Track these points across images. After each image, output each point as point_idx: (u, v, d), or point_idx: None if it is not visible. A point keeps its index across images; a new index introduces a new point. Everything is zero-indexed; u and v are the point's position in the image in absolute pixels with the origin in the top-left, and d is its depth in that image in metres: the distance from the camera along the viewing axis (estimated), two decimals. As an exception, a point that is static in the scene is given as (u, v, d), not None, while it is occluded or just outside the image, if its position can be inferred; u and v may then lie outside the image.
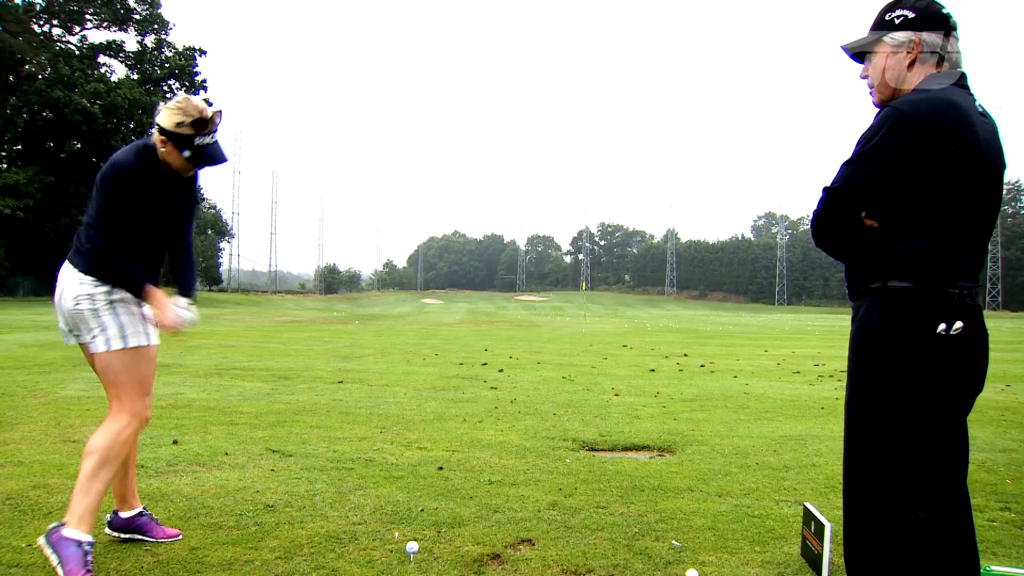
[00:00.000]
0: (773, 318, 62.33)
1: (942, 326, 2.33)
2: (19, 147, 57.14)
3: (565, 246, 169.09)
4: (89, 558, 3.14)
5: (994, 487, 5.01)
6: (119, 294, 3.45)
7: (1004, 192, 2.70)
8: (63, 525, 3.19)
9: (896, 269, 2.41)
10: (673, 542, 3.75)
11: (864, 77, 2.69)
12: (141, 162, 3.47)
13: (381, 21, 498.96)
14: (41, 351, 13.70)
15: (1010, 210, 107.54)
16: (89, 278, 3.42)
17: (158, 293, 3.49)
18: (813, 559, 3.41)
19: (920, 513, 2.35)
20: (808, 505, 3.59)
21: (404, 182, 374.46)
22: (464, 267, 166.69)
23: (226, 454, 5.44)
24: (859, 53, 2.70)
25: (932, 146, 2.33)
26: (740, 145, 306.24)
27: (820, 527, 3.34)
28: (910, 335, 2.36)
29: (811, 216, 2.58)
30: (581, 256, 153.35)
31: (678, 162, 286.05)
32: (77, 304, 3.41)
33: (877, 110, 2.54)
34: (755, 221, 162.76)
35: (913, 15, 2.55)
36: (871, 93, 2.67)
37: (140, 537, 3.62)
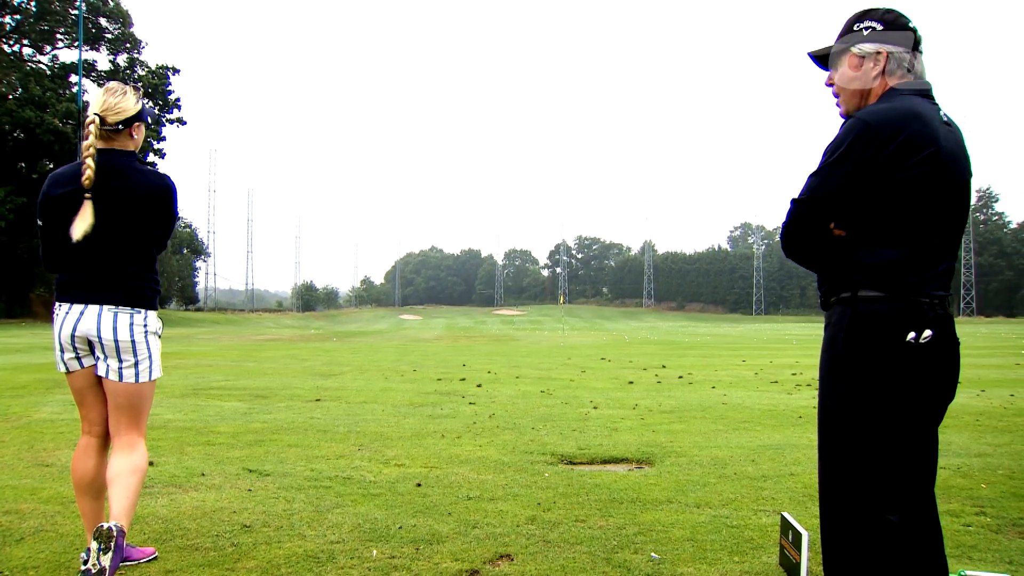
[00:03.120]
0: (751, 328, 62.70)
1: (911, 335, 2.35)
2: (-10, 168, 56.42)
3: (543, 260, 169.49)
4: None
5: (969, 492, 5.06)
6: (158, 324, 3.61)
7: (975, 199, 2.72)
8: (121, 531, 3.18)
9: (866, 278, 2.43)
10: (652, 554, 3.75)
11: (829, 85, 2.73)
12: None
13: (356, 38, 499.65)
14: (13, 374, 13.51)
15: (982, 216, 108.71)
16: (149, 311, 3.54)
17: None
18: (791, 568, 3.43)
19: (892, 517, 2.36)
20: (786, 514, 3.61)
21: (381, 198, 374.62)
22: (442, 282, 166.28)
23: (202, 475, 5.39)
24: (825, 60, 2.74)
25: (896, 157, 2.36)
26: (715, 156, 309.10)
27: (798, 536, 3.36)
28: (880, 344, 2.38)
29: (780, 228, 2.60)
30: (559, 270, 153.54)
31: (654, 174, 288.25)
32: (131, 333, 3.45)
33: (843, 120, 2.58)
34: (731, 231, 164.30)
35: (881, 27, 2.59)
36: (837, 103, 2.71)
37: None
